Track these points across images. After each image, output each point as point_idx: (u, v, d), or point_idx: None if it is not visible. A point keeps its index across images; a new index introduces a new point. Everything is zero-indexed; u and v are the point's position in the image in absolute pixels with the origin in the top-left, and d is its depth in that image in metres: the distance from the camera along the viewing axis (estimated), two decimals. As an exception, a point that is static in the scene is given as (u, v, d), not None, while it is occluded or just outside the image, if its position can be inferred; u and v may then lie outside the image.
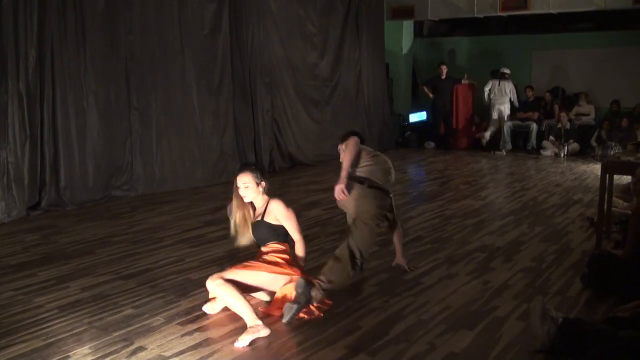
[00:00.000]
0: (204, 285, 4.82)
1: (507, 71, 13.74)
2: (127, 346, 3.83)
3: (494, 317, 4.33)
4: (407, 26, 15.26)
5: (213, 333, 4.04)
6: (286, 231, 4.61)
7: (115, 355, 3.71)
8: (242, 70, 10.21)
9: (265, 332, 3.97)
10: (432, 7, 13.94)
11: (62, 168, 7.79)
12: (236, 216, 4.59)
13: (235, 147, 10.01)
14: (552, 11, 12.72)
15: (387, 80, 14.34)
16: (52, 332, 4.02)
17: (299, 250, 4.64)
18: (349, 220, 5.01)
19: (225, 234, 6.40)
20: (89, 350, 3.76)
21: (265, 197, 4.60)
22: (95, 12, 8.00)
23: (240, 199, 4.56)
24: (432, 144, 14.29)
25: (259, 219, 4.59)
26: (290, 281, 4.37)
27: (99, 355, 3.70)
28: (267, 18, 10.66)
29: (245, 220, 4.60)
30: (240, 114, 10.15)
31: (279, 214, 4.55)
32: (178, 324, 4.19)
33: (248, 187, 4.49)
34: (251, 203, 4.63)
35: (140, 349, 3.80)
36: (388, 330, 4.11)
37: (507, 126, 13.54)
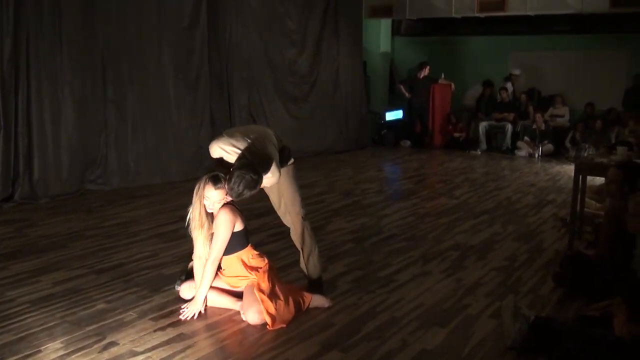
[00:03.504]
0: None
1: (516, 72, 13.94)
2: (100, 341, 3.81)
3: (467, 315, 4.36)
4: (385, 25, 15.30)
5: (186, 328, 4.03)
6: (243, 236, 4.35)
7: (87, 350, 3.69)
8: (219, 64, 10.16)
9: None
10: (410, 6, 13.96)
11: (36, 160, 7.69)
12: (203, 228, 4.29)
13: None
14: (529, 13, 12.81)
15: (364, 78, 14.37)
16: (23, 327, 3.98)
17: (207, 271, 4.24)
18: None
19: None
20: (61, 345, 3.73)
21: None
22: (73, 2, 7.91)
23: (205, 208, 4.27)
24: (408, 143, 14.33)
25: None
26: (256, 285, 4.21)
27: (70, 350, 3.67)
28: (246, 13, 10.62)
29: (209, 230, 4.30)
30: (217, 109, 10.10)
31: (217, 219, 4.25)
32: (151, 319, 4.17)
33: (221, 202, 4.22)
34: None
35: (113, 344, 3.78)
36: (361, 327, 4.12)
37: (482, 126, 13.65)
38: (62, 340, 3.80)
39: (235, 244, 4.31)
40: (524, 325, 3.78)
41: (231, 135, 4.32)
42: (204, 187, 4.22)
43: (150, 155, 9.04)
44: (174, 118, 9.36)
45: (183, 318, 4.15)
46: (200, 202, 4.25)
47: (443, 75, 14.23)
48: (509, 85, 14.00)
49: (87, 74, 8.20)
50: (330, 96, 12.94)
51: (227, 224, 4.21)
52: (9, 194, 7.45)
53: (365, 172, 10.72)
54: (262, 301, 4.07)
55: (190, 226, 4.36)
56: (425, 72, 13.93)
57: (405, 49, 16.27)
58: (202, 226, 4.29)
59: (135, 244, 5.94)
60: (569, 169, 10.87)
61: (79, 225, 6.62)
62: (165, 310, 4.31)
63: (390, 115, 14.98)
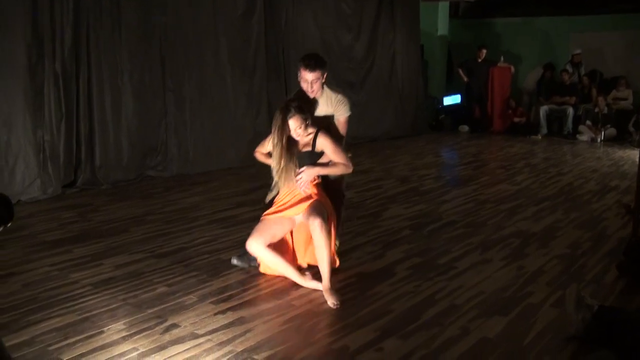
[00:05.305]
0: (236, 266, 4.89)
1: (577, 52, 13.64)
2: (161, 323, 3.87)
3: (528, 304, 4.28)
4: (443, 7, 15.08)
5: (246, 312, 4.06)
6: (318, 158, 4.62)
7: (150, 331, 3.75)
8: (275, 51, 10.18)
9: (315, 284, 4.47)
10: (469, -12, 13.79)
11: (97, 147, 7.86)
12: (285, 157, 4.46)
13: (269, 128, 9.96)
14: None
15: (421, 62, 14.20)
16: (86, 308, 4.08)
17: (336, 164, 4.60)
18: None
19: (258, 215, 6.45)
20: (124, 326, 3.81)
21: (309, 128, 4.53)
22: (131, -8, 8.03)
23: (290, 145, 4.47)
24: (466, 128, 14.16)
25: (308, 149, 4.57)
26: (309, 198, 4.53)
27: (133, 331, 3.74)
28: (302, -1, 10.61)
29: (292, 158, 4.50)
30: (274, 95, 10.12)
31: (329, 149, 4.55)
32: (211, 302, 4.22)
33: (301, 127, 4.43)
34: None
35: (174, 326, 3.83)
36: (420, 314, 4.09)
37: (542, 110, 13.37)
38: (124, 321, 3.88)
39: (313, 161, 4.56)
40: (587, 315, 3.69)
41: None
42: (281, 121, 4.42)
43: (209, 142, 9.13)
44: (231, 105, 9.43)
45: (301, 187, 4.49)
46: (279, 134, 4.43)
47: (502, 58, 13.98)
48: (568, 66, 13.69)
49: (146, 63, 8.31)
50: (386, 81, 12.84)
51: (332, 142, 4.54)
52: (71, 180, 7.65)
53: (422, 158, 10.62)
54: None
55: (274, 161, 4.53)
56: (482, 55, 13.71)
57: (463, 32, 16.03)
58: (284, 152, 4.45)
59: (194, 229, 6.01)
60: (633, 153, 10.62)
61: (139, 210, 6.74)
62: (225, 294, 4.35)
63: (448, 100, 14.80)
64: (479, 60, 13.74)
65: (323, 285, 4.39)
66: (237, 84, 9.48)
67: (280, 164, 4.45)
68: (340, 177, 4.87)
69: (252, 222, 6.18)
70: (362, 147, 11.12)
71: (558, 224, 6.37)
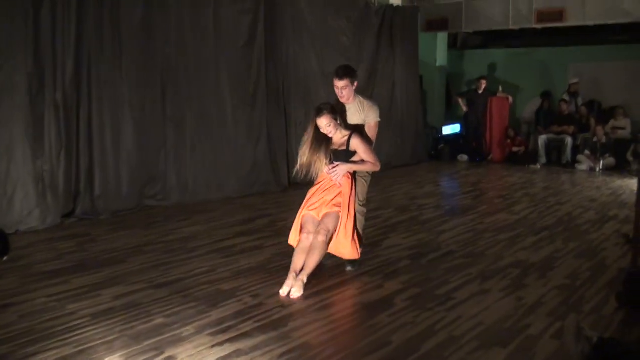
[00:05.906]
0: (235, 296, 4.88)
1: (574, 81, 13.74)
2: (158, 355, 3.84)
3: (528, 335, 4.25)
4: (441, 38, 15.20)
5: (243, 344, 4.03)
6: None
7: (146, 364, 3.73)
8: (276, 82, 10.24)
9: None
10: (467, 19, 13.89)
11: (97, 177, 7.86)
12: (314, 146, 5.28)
13: (269, 158, 10.02)
14: (588, 23, 12.57)
15: (421, 92, 14.27)
16: (83, 340, 4.05)
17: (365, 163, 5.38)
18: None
19: (257, 245, 6.44)
20: (120, 359, 3.78)
21: (344, 131, 5.34)
22: (132, 24, 8.08)
23: (318, 138, 5.27)
24: (465, 157, 14.18)
25: (343, 148, 5.32)
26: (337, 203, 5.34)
27: (129, 365, 3.72)
28: (302, 30, 10.68)
29: (320, 149, 5.28)
30: (274, 126, 10.17)
31: (360, 150, 5.31)
32: (208, 334, 4.19)
33: (330, 125, 5.19)
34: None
35: (171, 358, 3.80)
36: (419, 346, 4.06)
37: (541, 140, 13.41)
38: (120, 354, 3.85)
39: (347, 158, 5.35)
40: (586, 347, 3.66)
41: None
42: (313, 121, 5.28)
43: (209, 172, 9.14)
44: (232, 135, 9.46)
45: (334, 177, 5.29)
46: (311, 129, 5.33)
47: (501, 88, 14.06)
48: (565, 96, 13.77)
49: (146, 93, 8.36)
50: (386, 111, 12.83)
51: (363, 143, 5.32)
52: (70, 210, 7.64)
53: (422, 187, 10.63)
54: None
55: (306, 158, 5.36)
56: (482, 86, 13.79)
57: (462, 62, 16.15)
58: (318, 149, 5.30)
59: (193, 260, 6.00)
60: (632, 182, 10.62)
61: (139, 240, 6.72)
62: (223, 326, 4.33)
63: (447, 130, 14.85)
64: (479, 91, 13.81)
65: (300, 276, 5.03)
66: (238, 114, 9.52)
67: (310, 151, 5.28)
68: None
69: (251, 251, 6.22)
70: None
71: (557, 254, 6.35)
